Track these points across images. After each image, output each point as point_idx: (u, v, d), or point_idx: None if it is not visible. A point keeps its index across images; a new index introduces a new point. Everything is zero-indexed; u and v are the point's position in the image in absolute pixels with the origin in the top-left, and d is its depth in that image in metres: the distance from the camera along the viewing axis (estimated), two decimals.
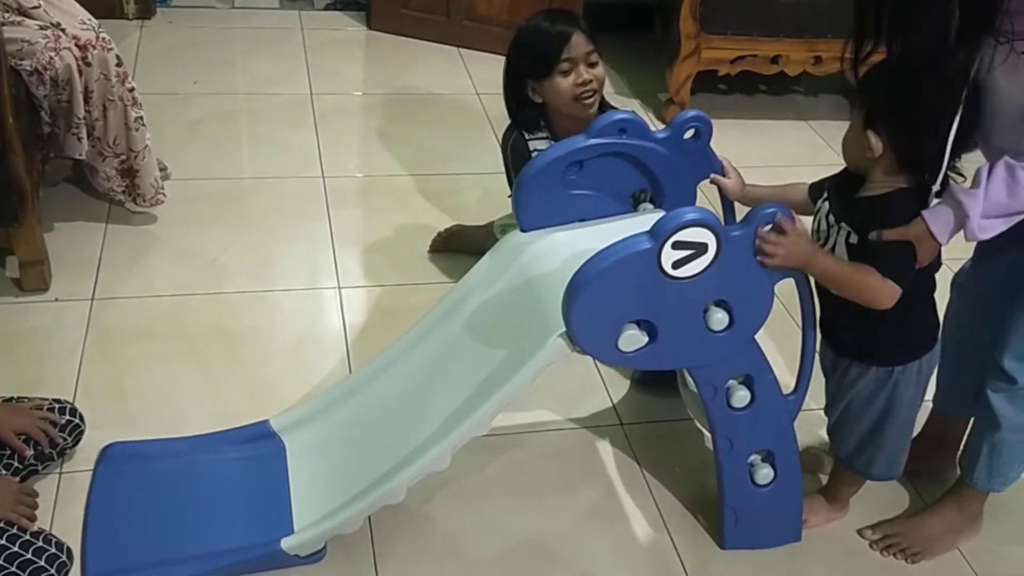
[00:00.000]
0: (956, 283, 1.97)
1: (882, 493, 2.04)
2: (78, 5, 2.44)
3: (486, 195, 2.84)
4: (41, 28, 2.27)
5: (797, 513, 1.93)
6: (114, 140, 2.44)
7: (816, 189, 1.79)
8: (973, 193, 1.54)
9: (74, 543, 1.72)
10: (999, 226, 1.56)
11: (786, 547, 1.93)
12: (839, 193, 1.71)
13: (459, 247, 2.62)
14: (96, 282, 2.41)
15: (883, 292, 1.61)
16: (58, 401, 1.91)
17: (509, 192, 2.27)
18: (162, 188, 2.59)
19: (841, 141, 1.70)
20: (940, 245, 1.61)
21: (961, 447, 1.99)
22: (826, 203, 1.72)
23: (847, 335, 1.76)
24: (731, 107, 3.62)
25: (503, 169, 2.32)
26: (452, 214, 2.79)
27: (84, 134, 2.38)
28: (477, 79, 3.60)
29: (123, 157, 2.49)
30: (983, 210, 1.53)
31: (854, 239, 1.64)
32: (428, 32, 3.82)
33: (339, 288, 2.49)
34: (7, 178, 2.17)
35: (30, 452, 1.81)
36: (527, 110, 2.20)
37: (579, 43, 2.10)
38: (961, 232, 1.57)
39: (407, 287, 2.51)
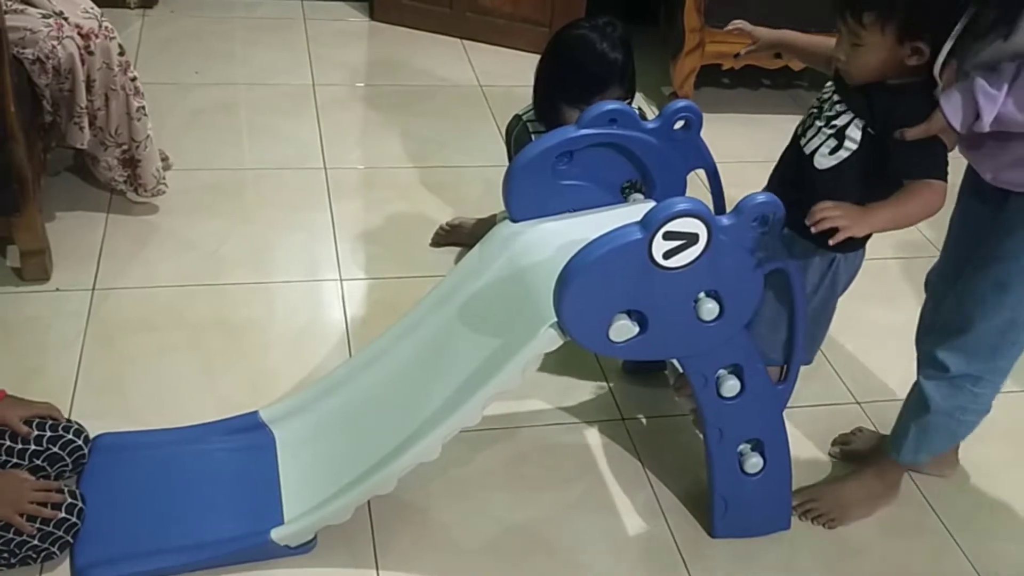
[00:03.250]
0: (928, 281, 1.98)
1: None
2: None
3: (488, 187, 2.84)
4: (44, 16, 2.28)
5: (786, 501, 1.94)
6: (116, 130, 2.45)
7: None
8: (991, 93, 1.48)
9: None
10: (1010, 128, 1.51)
11: (781, 536, 1.94)
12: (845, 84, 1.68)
13: (461, 241, 2.62)
14: (97, 272, 2.42)
15: (938, 196, 1.58)
16: (55, 421, 1.82)
17: None
18: (163, 178, 2.59)
19: (846, 64, 1.63)
20: (957, 133, 1.56)
21: None
22: (834, 86, 1.70)
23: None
24: (735, 101, 3.60)
25: (506, 161, 2.32)
26: (454, 206, 2.79)
27: (86, 123, 2.38)
28: (480, 71, 3.60)
29: (125, 147, 2.49)
30: (998, 113, 1.49)
31: (869, 129, 1.62)
32: (431, 23, 3.82)
33: (340, 280, 2.50)
34: (8, 167, 2.17)
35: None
36: (548, 107, 2.18)
37: (610, 95, 2.05)
38: None
39: (408, 279, 2.52)
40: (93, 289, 2.36)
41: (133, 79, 2.44)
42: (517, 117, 2.30)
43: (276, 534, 1.72)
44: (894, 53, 1.58)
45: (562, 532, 1.91)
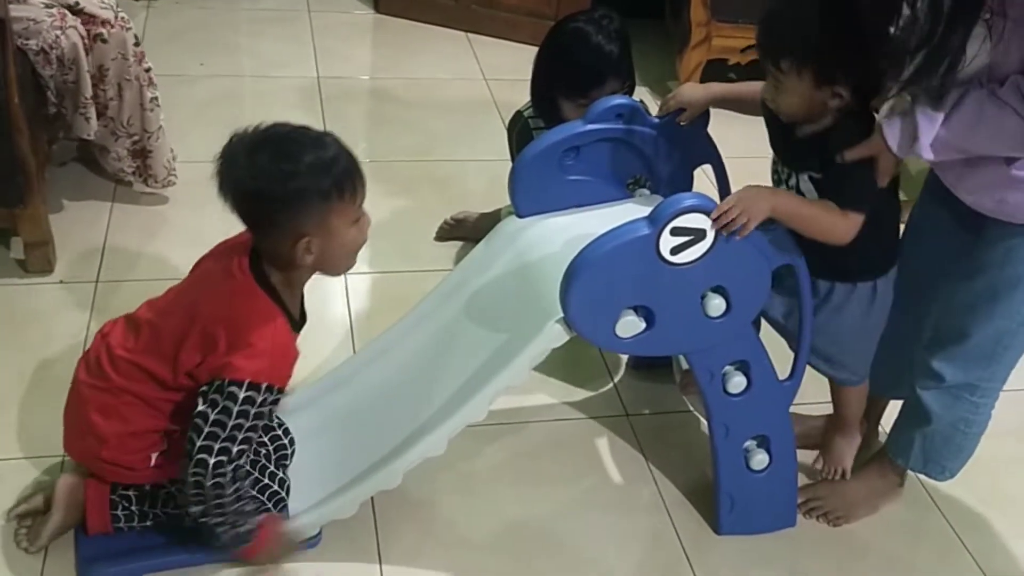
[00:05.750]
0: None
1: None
2: None
3: (493, 181, 2.82)
4: (47, 6, 2.27)
5: (792, 498, 1.94)
6: (128, 120, 2.45)
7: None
8: (931, 116, 1.49)
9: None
10: (952, 154, 1.53)
11: (786, 534, 1.94)
12: (781, 141, 1.72)
13: (466, 235, 2.61)
14: (101, 265, 2.41)
15: (845, 226, 1.62)
16: None
17: None
18: (174, 169, 2.59)
19: (774, 104, 1.66)
20: (898, 159, 1.58)
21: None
22: (776, 157, 1.74)
23: (828, 259, 1.71)
24: None
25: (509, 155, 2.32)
26: (459, 200, 2.79)
27: (92, 114, 2.38)
28: (485, 64, 3.59)
29: (136, 137, 2.49)
30: (938, 135, 1.50)
31: (816, 176, 1.65)
32: (436, 16, 3.81)
33: (344, 274, 2.49)
34: (12, 159, 2.17)
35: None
36: (546, 103, 2.17)
37: (607, 88, 2.05)
38: None
39: (413, 274, 2.51)
40: (97, 281, 2.36)
41: (147, 70, 2.44)
42: (519, 113, 2.29)
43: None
44: (814, 95, 1.60)
45: (567, 527, 1.91)
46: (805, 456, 2.03)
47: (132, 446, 1.62)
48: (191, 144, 2.85)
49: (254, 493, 1.63)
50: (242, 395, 1.48)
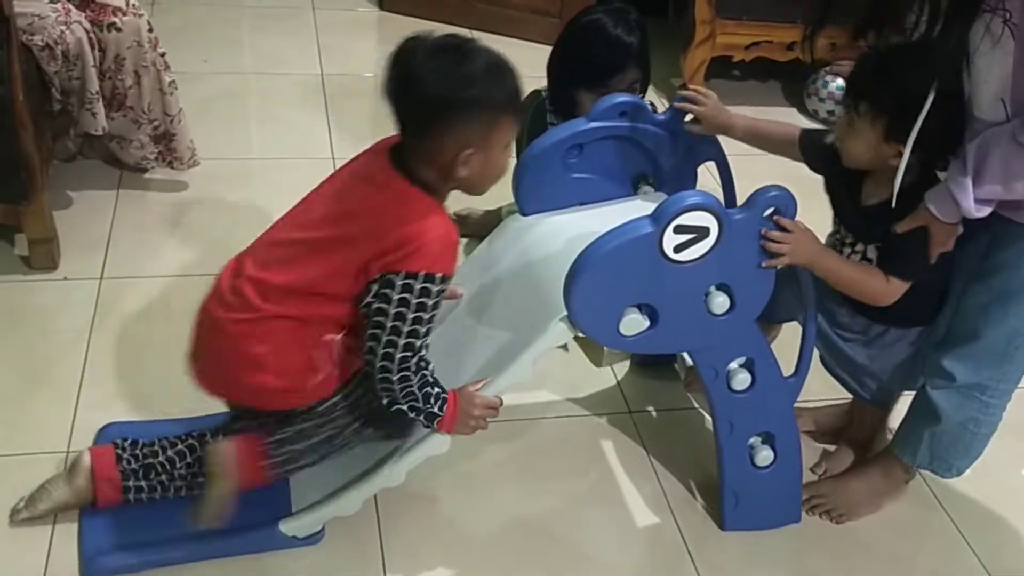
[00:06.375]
0: None
1: None
2: None
3: None
4: (51, 1, 2.26)
5: (797, 494, 1.94)
6: (148, 106, 2.46)
7: (811, 146, 1.80)
8: (961, 182, 1.53)
9: (74, 521, 1.74)
10: (999, 201, 1.55)
11: (788, 531, 1.94)
12: (848, 203, 1.75)
13: (471, 232, 2.61)
14: (105, 261, 2.41)
15: (885, 293, 1.67)
16: None
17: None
18: (196, 150, 2.61)
19: (841, 143, 1.69)
20: (952, 230, 1.61)
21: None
22: (839, 222, 1.78)
23: (899, 310, 1.75)
24: (745, 93, 3.59)
25: (514, 150, 2.30)
26: (461, 197, 2.76)
27: (100, 109, 2.37)
28: None
29: (157, 122, 2.50)
30: (976, 195, 1.53)
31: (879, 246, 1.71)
32: (440, 13, 3.80)
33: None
34: (16, 156, 2.17)
35: None
36: (564, 96, 2.17)
37: (628, 75, 2.07)
38: None
39: None
40: (101, 278, 2.36)
41: (163, 54, 2.45)
42: (537, 92, 2.27)
43: (284, 525, 1.72)
44: (879, 150, 1.63)
45: (569, 524, 1.91)
46: (809, 450, 2.04)
47: (295, 366, 1.60)
48: (195, 141, 2.85)
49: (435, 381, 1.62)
50: (418, 287, 1.48)
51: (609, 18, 2.12)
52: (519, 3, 3.71)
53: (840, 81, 3.24)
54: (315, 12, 3.81)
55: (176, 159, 2.59)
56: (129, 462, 1.72)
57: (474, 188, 1.59)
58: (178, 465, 1.72)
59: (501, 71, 1.50)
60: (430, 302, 1.50)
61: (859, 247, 1.74)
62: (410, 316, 1.49)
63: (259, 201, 2.71)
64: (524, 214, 1.83)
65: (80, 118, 2.38)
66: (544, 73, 2.25)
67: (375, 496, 1.81)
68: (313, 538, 1.76)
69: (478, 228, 2.56)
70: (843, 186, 1.76)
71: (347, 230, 1.54)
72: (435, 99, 1.46)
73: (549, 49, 2.24)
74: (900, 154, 1.59)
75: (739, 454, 1.82)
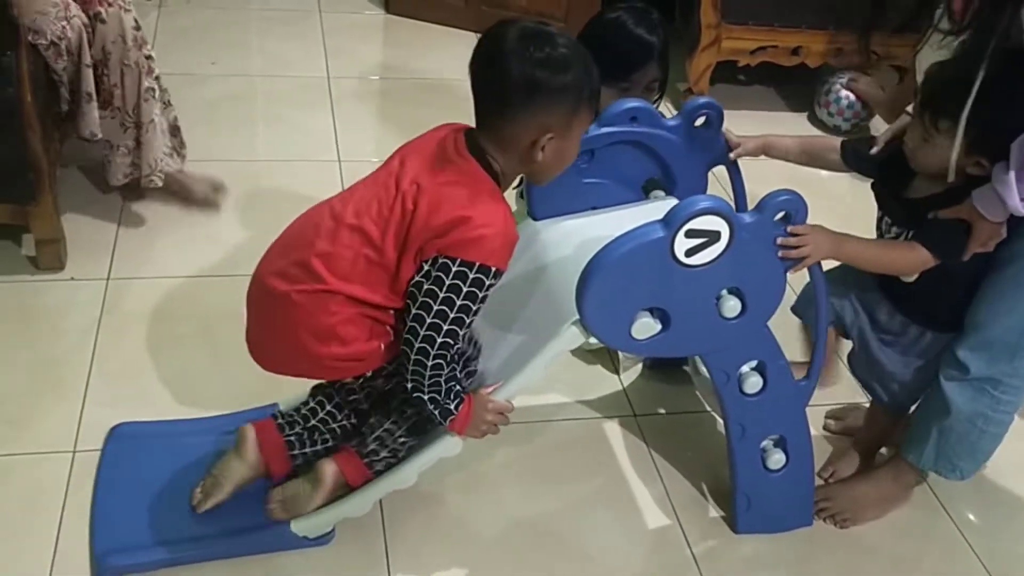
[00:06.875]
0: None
1: None
2: None
3: None
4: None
5: (808, 497, 1.94)
6: (132, 109, 2.34)
7: (854, 156, 1.83)
8: (1004, 179, 1.54)
9: (84, 522, 1.74)
10: None
11: (792, 535, 1.94)
12: (891, 197, 1.76)
13: None
14: (111, 262, 2.41)
15: (909, 259, 1.68)
16: None
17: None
18: (160, 171, 2.41)
19: (913, 152, 1.70)
20: (999, 223, 1.62)
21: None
22: (881, 212, 1.79)
23: (937, 311, 1.80)
24: (750, 98, 3.59)
25: None
26: None
27: (92, 111, 2.29)
28: None
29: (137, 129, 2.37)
30: (1020, 192, 1.54)
31: None
32: (446, 17, 3.81)
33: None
34: (24, 156, 2.17)
35: None
36: None
37: (648, 72, 2.08)
38: None
39: None
40: (108, 279, 2.36)
41: (148, 57, 2.33)
42: None
43: (296, 526, 1.73)
44: (959, 160, 1.63)
45: (574, 526, 1.91)
46: (819, 453, 2.04)
47: (359, 335, 1.59)
48: (202, 143, 2.85)
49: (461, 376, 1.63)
50: (472, 276, 1.48)
51: (631, 16, 2.13)
52: (523, 7, 3.70)
53: (853, 97, 3.26)
54: (322, 15, 3.81)
55: (139, 172, 2.41)
56: (291, 427, 1.76)
57: (543, 175, 1.60)
58: (338, 418, 1.76)
59: (589, 61, 1.52)
60: (480, 294, 1.50)
61: (903, 237, 1.74)
62: (459, 303, 1.49)
63: (265, 203, 2.71)
64: (535, 219, 1.83)
65: (81, 118, 2.31)
66: None
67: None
68: (324, 539, 1.77)
69: None
70: (890, 181, 1.77)
71: (410, 195, 1.53)
72: (527, 80, 1.47)
73: None
74: (979, 163, 1.61)
75: (751, 457, 1.82)
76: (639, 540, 1.91)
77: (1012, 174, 1.53)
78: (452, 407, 1.59)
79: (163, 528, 1.73)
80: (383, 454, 1.70)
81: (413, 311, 1.52)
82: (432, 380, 1.55)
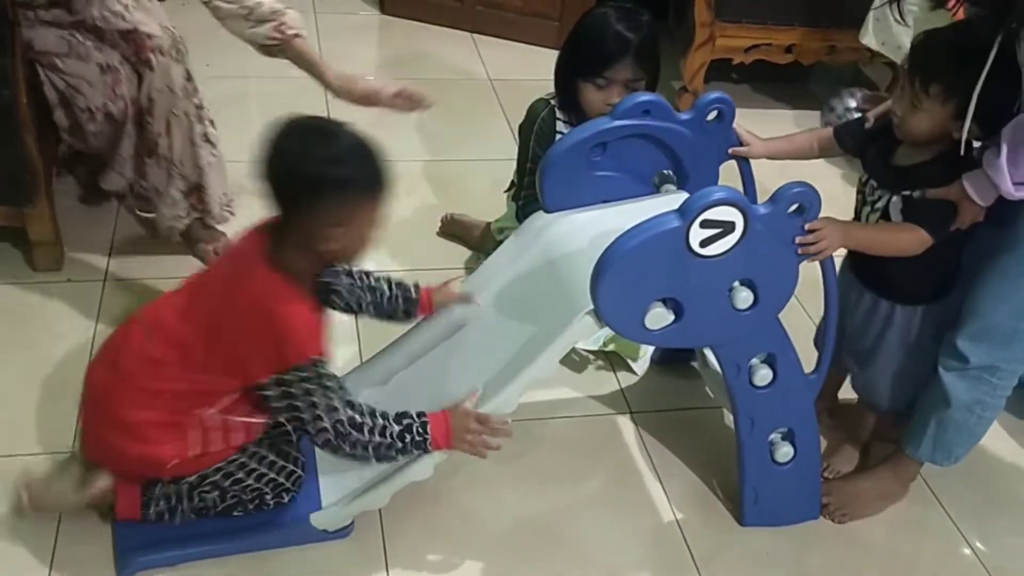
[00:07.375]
0: None
1: None
2: (162, 9, 2.35)
3: (496, 182, 2.81)
4: (102, 72, 2.14)
5: (816, 491, 1.94)
6: (180, 160, 2.27)
7: (848, 135, 1.85)
8: (995, 163, 1.55)
9: (84, 522, 1.74)
10: None
11: (789, 531, 1.93)
12: (879, 161, 1.77)
13: (458, 233, 2.62)
14: (108, 264, 2.40)
15: (912, 240, 1.68)
16: None
17: (515, 169, 2.30)
18: (228, 204, 2.45)
19: (901, 119, 1.70)
20: (982, 207, 1.64)
21: None
22: (867, 174, 1.79)
23: (898, 281, 1.81)
24: (744, 96, 3.59)
25: (515, 154, 2.29)
26: (462, 200, 2.78)
27: (128, 170, 2.25)
28: (490, 65, 3.58)
29: (188, 176, 2.31)
30: (1011, 175, 1.54)
31: (907, 195, 1.71)
32: (441, 17, 3.80)
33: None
34: (21, 158, 2.16)
35: None
36: (567, 91, 2.16)
37: (623, 69, 2.05)
38: None
39: (416, 272, 2.48)
40: (105, 280, 2.35)
41: (198, 106, 2.30)
42: (542, 100, 2.25)
43: (315, 519, 1.73)
44: (947, 124, 1.64)
45: (571, 525, 1.90)
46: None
47: (165, 438, 1.63)
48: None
49: (389, 420, 1.63)
50: (309, 371, 1.57)
51: (615, 12, 2.10)
52: (518, 7, 3.70)
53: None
54: (316, 16, 3.79)
55: (207, 213, 2.38)
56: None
57: (343, 258, 1.66)
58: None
59: (367, 152, 1.55)
60: (325, 374, 1.58)
61: (882, 201, 1.75)
62: (318, 392, 1.57)
63: (262, 205, 2.68)
64: (548, 211, 1.83)
65: (105, 175, 2.27)
66: (546, 77, 2.24)
67: None
68: (343, 531, 1.77)
69: (468, 237, 2.60)
70: (877, 147, 1.78)
71: (215, 331, 1.60)
72: (305, 178, 1.51)
73: (549, 52, 2.24)
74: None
75: (759, 450, 1.82)
76: (637, 538, 1.90)
77: (1003, 159, 1.54)
78: (416, 439, 1.62)
79: (186, 524, 1.72)
80: (162, 504, 1.70)
81: (292, 426, 1.67)
82: (364, 449, 1.61)
